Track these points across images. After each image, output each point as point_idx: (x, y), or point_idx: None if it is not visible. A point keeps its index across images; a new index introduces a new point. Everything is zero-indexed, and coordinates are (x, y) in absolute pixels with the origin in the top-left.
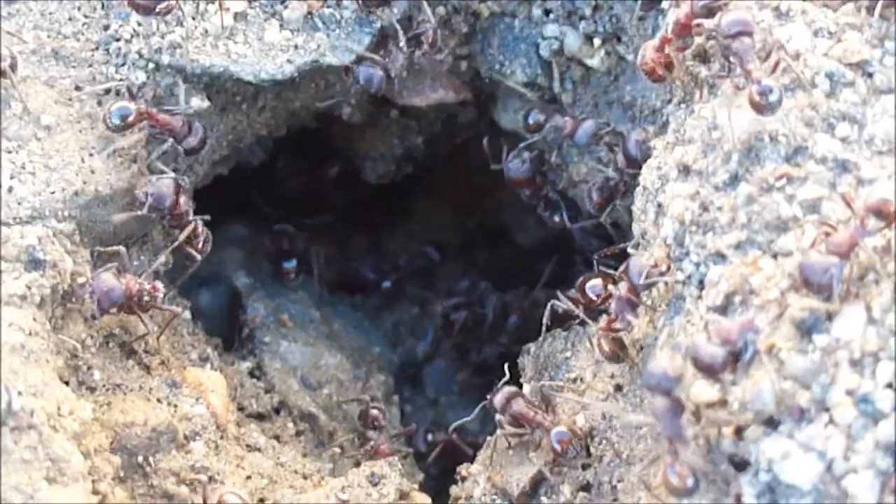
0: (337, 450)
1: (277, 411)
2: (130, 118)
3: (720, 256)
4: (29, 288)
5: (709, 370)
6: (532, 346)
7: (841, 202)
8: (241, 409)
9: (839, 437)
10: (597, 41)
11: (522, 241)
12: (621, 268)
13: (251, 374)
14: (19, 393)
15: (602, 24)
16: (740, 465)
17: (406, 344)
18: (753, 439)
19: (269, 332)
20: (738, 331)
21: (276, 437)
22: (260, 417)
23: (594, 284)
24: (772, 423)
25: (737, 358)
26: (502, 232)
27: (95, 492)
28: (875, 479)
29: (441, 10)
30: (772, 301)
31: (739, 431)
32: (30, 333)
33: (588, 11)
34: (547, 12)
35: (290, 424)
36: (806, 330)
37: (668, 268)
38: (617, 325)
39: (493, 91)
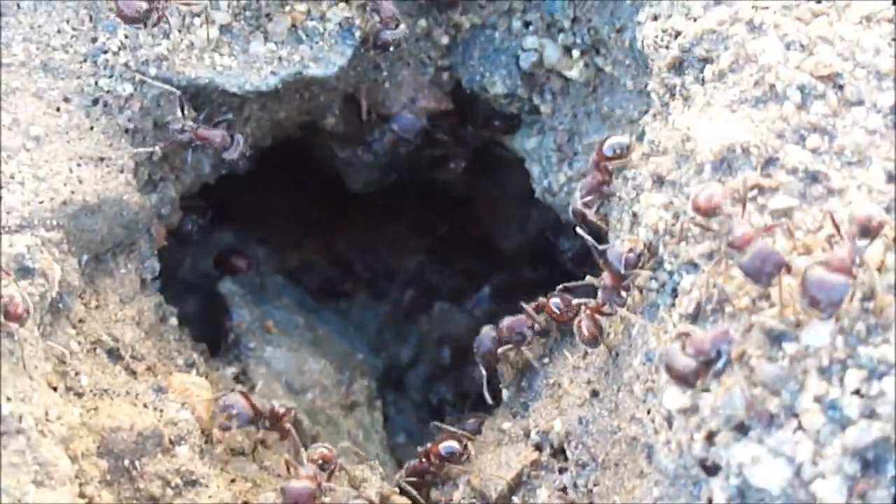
0: None
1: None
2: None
3: (693, 265)
4: None
5: (682, 379)
6: (510, 353)
7: (811, 214)
8: None
9: (808, 442)
10: (575, 53)
11: (505, 247)
12: (601, 262)
13: (236, 378)
14: (8, 399)
15: (581, 37)
16: (711, 469)
17: (390, 349)
18: (724, 444)
19: (254, 338)
20: (712, 341)
21: (261, 442)
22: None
23: (556, 302)
24: (742, 429)
25: (709, 366)
26: (485, 239)
27: (82, 495)
28: (843, 483)
29: (423, 22)
30: (743, 309)
31: (711, 437)
32: (18, 340)
33: (567, 24)
34: (527, 24)
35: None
36: (776, 338)
37: (645, 251)
38: (605, 309)
39: (473, 102)
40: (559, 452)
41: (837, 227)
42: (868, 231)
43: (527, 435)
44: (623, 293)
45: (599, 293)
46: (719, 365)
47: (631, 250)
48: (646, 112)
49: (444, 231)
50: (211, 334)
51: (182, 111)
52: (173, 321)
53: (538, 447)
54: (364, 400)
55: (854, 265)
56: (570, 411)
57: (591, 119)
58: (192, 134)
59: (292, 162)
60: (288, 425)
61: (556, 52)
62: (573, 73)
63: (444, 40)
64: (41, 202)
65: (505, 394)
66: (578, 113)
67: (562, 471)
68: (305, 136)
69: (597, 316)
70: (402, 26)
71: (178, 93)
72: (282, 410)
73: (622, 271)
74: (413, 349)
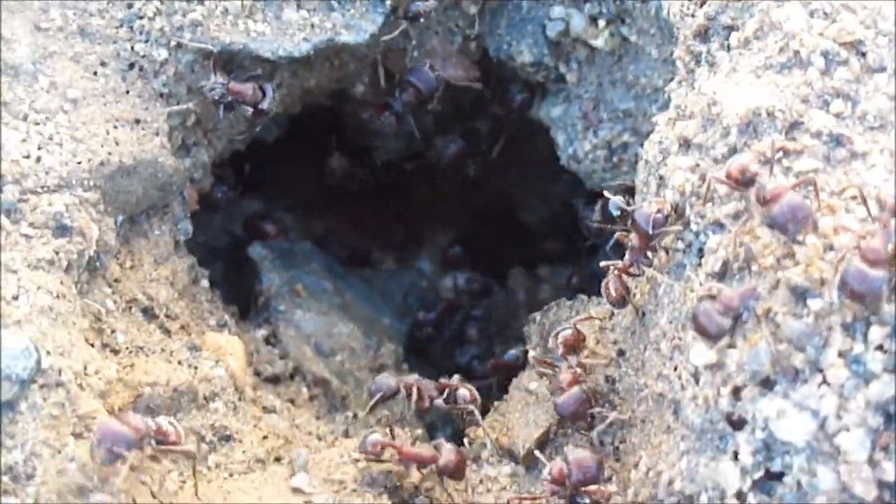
0: (349, 414)
1: (292, 377)
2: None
3: (719, 226)
4: (57, 253)
5: (710, 335)
6: (538, 315)
7: (835, 177)
8: (257, 373)
9: (832, 396)
10: (601, 22)
11: (527, 219)
12: (629, 223)
13: (266, 341)
14: (48, 352)
15: (606, 6)
16: (737, 423)
17: (415, 315)
18: (750, 399)
19: (283, 301)
20: (741, 298)
21: (291, 401)
22: (275, 381)
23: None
24: (767, 384)
25: (736, 323)
26: (508, 211)
27: None
28: (866, 436)
29: None
30: (769, 268)
31: (737, 392)
32: (57, 296)
33: None
34: None
35: (304, 389)
36: (801, 294)
37: (673, 212)
38: (632, 270)
39: (501, 72)
40: None
41: (869, 211)
42: None
43: (553, 394)
44: (650, 254)
45: (627, 254)
46: (745, 320)
47: (658, 211)
48: (671, 81)
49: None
50: (239, 299)
51: (214, 70)
52: (205, 283)
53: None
54: (392, 363)
55: (887, 252)
56: (596, 370)
57: (616, 88)
58: (225, 89)
59: (321, 131)
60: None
61: (582, 22)
62: (599, 43)
63: (472, 10)
64: (79, 163)
65: (531, 354)
66: (604, 82)
67: (588, 428)
68: (335, 105)
69: (624, 277)
70: None
71: (215, 50)
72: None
73: (650, 232)
74: (437, 316)
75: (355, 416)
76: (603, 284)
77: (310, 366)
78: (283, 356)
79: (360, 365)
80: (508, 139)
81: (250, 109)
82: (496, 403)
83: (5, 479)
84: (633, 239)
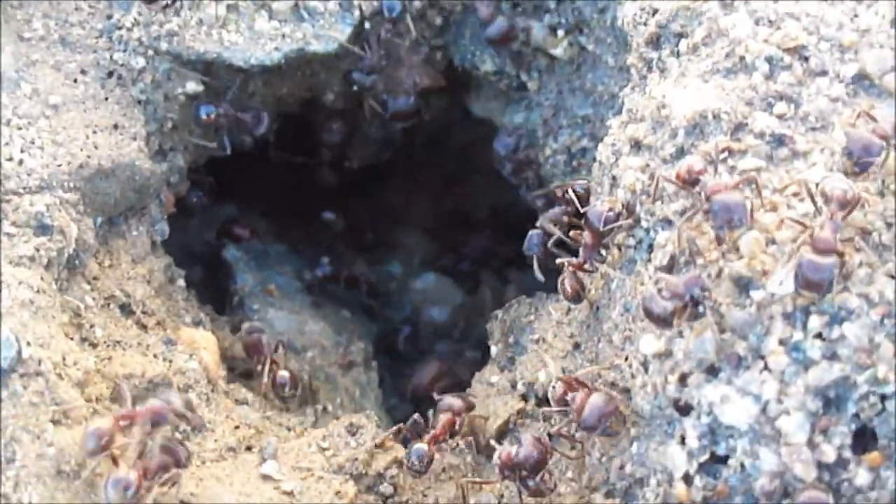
0: (319, 407)
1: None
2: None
3: (667, 222)
4: (37, 250)
5: (660, 320)
6: (499, 312)
7: (777, 175)
8: (230, 369)
9: (773, 382)
10: (560, 32)
11: (496, 223)
12: (582, 221)
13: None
14: (28, 343)
15: (565, 17)
16: (684, 409)
17: (385, 315)
18: (696, 385)
19: (257, 301)
20: (685, 284)
21: (263, 396)
22: (248, 376)
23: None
24: (712, 371)
25: (684, 309)
26: (475, 215)
27: None
28: (806, 419)
29: (417, 3)
30: (713, 261)
31: (683, 379)
32: (38, 291)
33: (552, 5)
34: (515, 6)
35: None
36: (744, 286)
37: (623, 210)
38: (586, 266)
39: (466, 80)
40: (544, 402)
41: (815, 204)
42: (846, 204)
43: (513, 386)
44: (603, 251)
45: (581, 251)
46: (700, 310)
47: (610, 209)
48: (625, 86)
49: (441, 205)
50: (215, 300)
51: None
52: (181, 282)
53: (524, 397)
54: (361, 361)
55: (836, 242)
56: (553, 363)
57: (576, 95)
58: (230, 118)
59: (294, 139)
60: None
61: (541, 32)
62: (558, 52)
63: (438, 21)
64: (59, 165)
65: (493, 350)
66: (563, 89)
67: (546, 418)
68: (306, 113)
69: (579, 273)
70: None
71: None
72: None
73: (601, 229)
74: (407, 317)
75: (325, 409)
76: (559, 281)
77: (282, 362)
78: None
79: (331, 361)
80: (476, 145)
81: (248, 138)
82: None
83: None
84: (587, 236)
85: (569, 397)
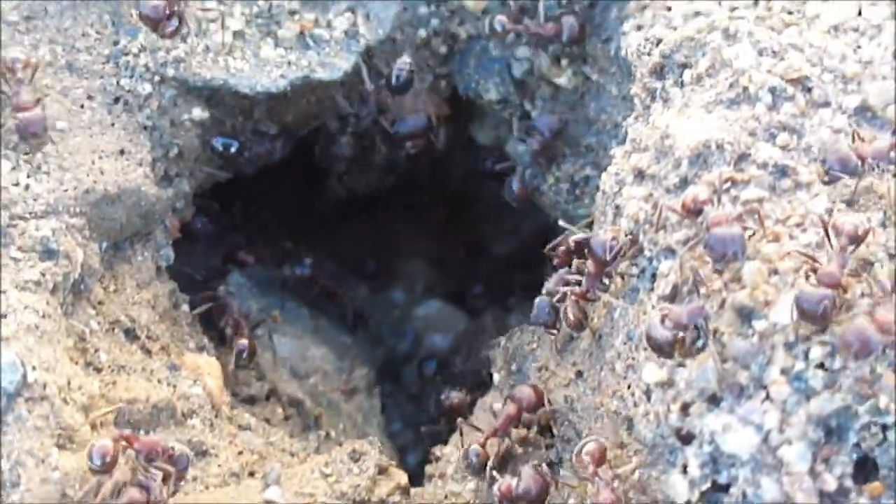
0: (322, 433)
1: (268, 397)
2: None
3: (670, 251)
4: (43, 275)
5: (662, 349)
6: (502, 340)
7: (780, 205)
8: (234, 394)
9: (775, 411)
10: (564, 62)
11: (498, 252)
12: (585, 251)
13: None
14: (33, 367)
15: (569, 46)
16: (686, 437)
17: (388, 343)
18: (698, 414)
19: (260, 326)
20: (688, 314)
21: (267, 420)
22: (252, 402)
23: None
24: (714, 400)
25: (686, 338)
26: (479, 243)
27: None
28: (807, 449)
29: (422, 32)
30: (716, 291)
31: (686, 408)
32: (43, 316)
33: None
34: (519, 36)
35: (279, 409)
36: (746, 315)
37: (627, 241)
38: (589, 295)
39: (470, 109)
40: (546, 430)
41: (828, 237)
42: (857, 239)
43: None
44: (606, 280)
45: (584, 280)
46: (700, 343)
47: (614, 238)
48: (629, 117)
49: (444, 233)
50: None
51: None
52: (185, 308)
53: (527, 425)
54: (363, 387)
55: (842, 276)
56: (556, 391)
57: (579, 124)
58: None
59: (298, 166)
60: None
61: (546, 61)
62: (562, 81)
63: (443, 50)
64: (65, 190)
65: (496, 377)
66: (567, 119)
67: (548, 447)
68: (311, 141)
69: (581, 302)
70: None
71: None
72: None
73: (605, 258)
74: (410, 344)
75: (328, 434)
76: (562, 310)
77: (285, 387)
78: (259, 378)
79: (333, 387)
80: (477, 175)
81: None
82: (460, 420)
83: None
84: (590, 265)
85: None
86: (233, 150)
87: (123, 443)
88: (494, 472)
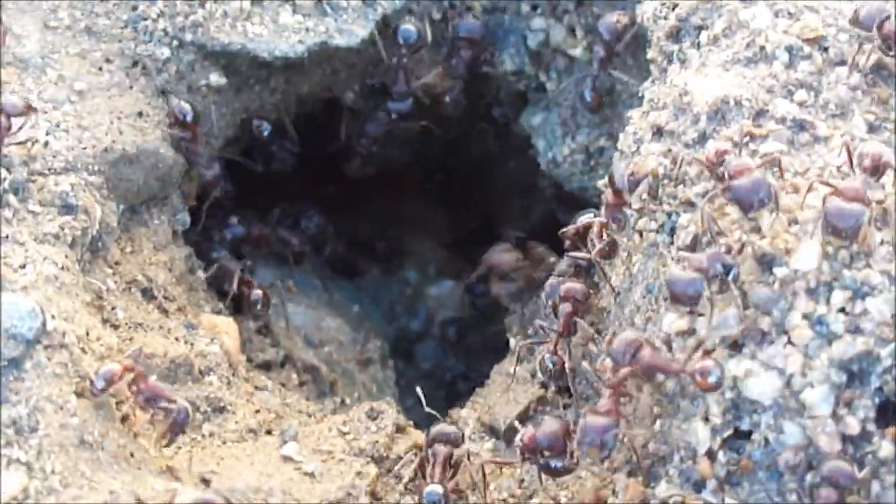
0: (338, 399)
1: (283, 364)
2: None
3: (689, 205)
4: (62, 229)
5: (684, 298)
6: (518, 306)
7: (799, 159)
8: (249, 360)
9: (797, 356)
10: (579, 33)
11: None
12: (605, 181)
13: (259, 331)
14: (52, 316)
15: (584, 18)
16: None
17: (401, 321)
18: (720, 360)
19: (276, 296)
20: (709, 259)
21: (282, 385)
22: (267, 367)
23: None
24: (736, 346)
25: (709, 284)
26: (492, 224)
27: (119, 411)
28: (830, 392)
29: (439, 2)
30: (736, 241)
31: (707, 354)
32: (62, 268)
33: (572, 6)
34: (534, 7)
35: (295, 375)
36: (767, 263)
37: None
38: (610, 226)
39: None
40: (564, 390)
41: (851, 158)
42: (877, 168)
43: (533, 376)
44: (625, 210)
45: (602, 210)
46: (730, 278)
47: (633, 174)
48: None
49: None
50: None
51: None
52: (201, 274)
53: (544, 385)
54: (378, 358)
55: (867, 193)
56: (574, 349)
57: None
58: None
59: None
60: None
61: (561, 33)
62: (577, 52)
63: None
64: (84, 148)
65: (512, 342)
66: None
67: (566, 406)
68: (326, 116)
69: (604, 232)
70: None
71: None
72: None
73: (625, 187)
74: (423, 323)
75: (343, 402)
76: (588, 237)
77: (300, 354)
78: (274, 345)
79: (348, 357)
80: (490, 157)
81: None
82: (477, 389)
83: (9, 431)
84: (609, 195)
85: None
86: (265, 133)
87: (130, 376)
88: (517, 424)
